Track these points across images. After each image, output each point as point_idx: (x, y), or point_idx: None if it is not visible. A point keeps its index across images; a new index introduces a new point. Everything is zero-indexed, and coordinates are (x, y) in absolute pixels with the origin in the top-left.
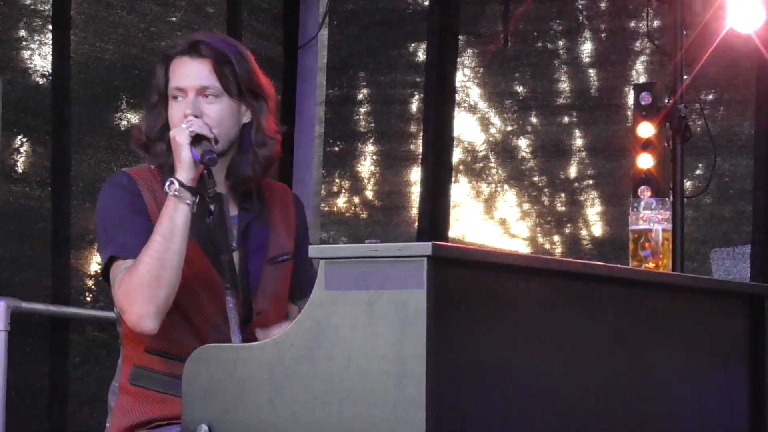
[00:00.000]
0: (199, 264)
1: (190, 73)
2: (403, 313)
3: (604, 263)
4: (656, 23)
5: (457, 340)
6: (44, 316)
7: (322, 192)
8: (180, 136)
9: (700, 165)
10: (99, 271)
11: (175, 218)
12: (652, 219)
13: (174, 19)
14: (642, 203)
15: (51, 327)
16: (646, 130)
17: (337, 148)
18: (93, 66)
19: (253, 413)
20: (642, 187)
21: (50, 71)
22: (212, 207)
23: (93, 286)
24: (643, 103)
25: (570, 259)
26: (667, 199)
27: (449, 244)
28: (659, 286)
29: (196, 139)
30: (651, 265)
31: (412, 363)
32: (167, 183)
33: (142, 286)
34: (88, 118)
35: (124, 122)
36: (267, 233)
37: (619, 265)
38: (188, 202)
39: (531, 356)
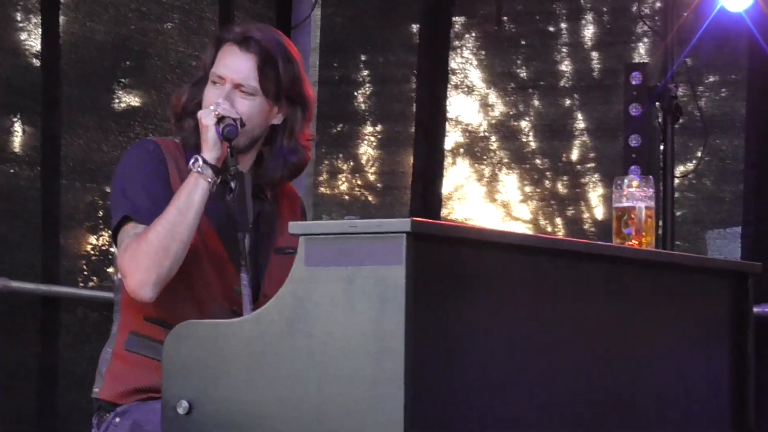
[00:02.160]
0: (211, 242)
1: (234, 65)
2: (382, 289)
3: (586, 240)
4: (658, 5)
5: (436, 316)
6: (34, 296)
7: (324, 174)
8: (207, 117)
9: (691, 145)
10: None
11: (193, 193)
12: (635, 197)
13: None
14: (625, 181)
15: (41, 307)
16: (636, 109)
17: (333, 130)
18: (83, 46)
19: (233, 390)
20: (632, 167)
21: (40, 51)
22: (233, 184)
23: (84, 266)
24: (633, 83)
25: (551, 236)
26: (650, 177)
27: (428, 220)
28: (642, 264)
29: (221, 120)
30: (634, 242)
31: (391, 340)
32: (192, 160)
33: (149, 254)
34: (78, 99)
35: (115, 102)
36: (276, 225)
37: (601, 243)
38: (209, 180)
39: (512, 333)
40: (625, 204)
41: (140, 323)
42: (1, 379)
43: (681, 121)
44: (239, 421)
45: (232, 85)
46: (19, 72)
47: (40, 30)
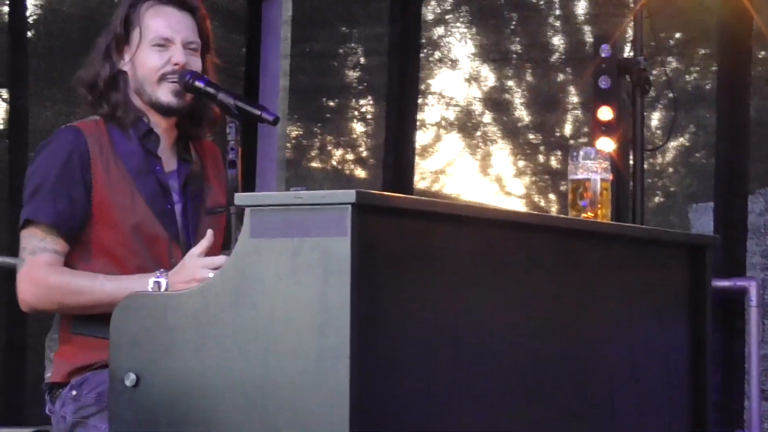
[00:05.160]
0: (143, 217)
1: (178, 25)
2: (326, 261)
3: (537, 213)
4: None
5: (382, 289)
6: (1, 269)
7: (312, 150)
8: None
9: (660, 117)
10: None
11: (131, 290)
12: (590, 169)
13: None
14: (581, 153)
15: (8, 279)
16: (605, 82)
17: (311, 103)
18: (51, 19)
19: (180, 362)
20: (601, 140)
21: (7, 24)
22: (233, 155)
23: None
24: (602, 55)
25: (503, 208)
26: (604, 150)
27: (373, 192)
28: (596, 236)
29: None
30: (589, 214)
31: (336, 312)
32: (154, 280)
33: (54, 297)
34: (45, 72)
35: None
36: (204, 185)
37: (554, 215)
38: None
39: (460, 307)
40: (580, 176)
41: None
42: None
43: (652, 94)
44: (186, 394)
45: (182, 45)
46: None
47: (6, 1)
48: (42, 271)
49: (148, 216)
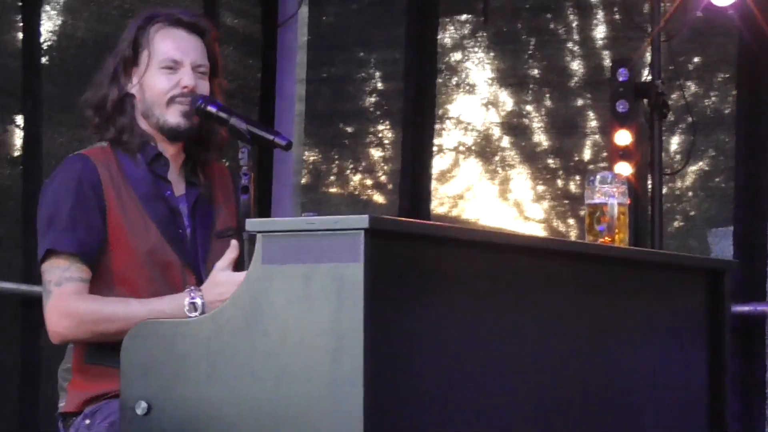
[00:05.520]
0: (156, 243)
1: (187, 48)
2: (339, 287)
3: (554, 237)
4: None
5: (396, 314)
6: (15, 296)
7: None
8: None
9: (680, 141)
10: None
11: (170, 311)
12: (607, 193)
13: None
14: (598, 177)
15: (22, 306)
16: (623, 106)
17: (321, 128)
18: (65, 43)
19: (191, 389)
20: (619, 164)
21: (21, 49)
22: (245, 180)
23: None
24: (620, 79)
25: (517, 233)
26: (621, 174)
27: (387, 217)
28: (613, 261)
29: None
30: (607, 239)
31: (349, 338)
32: (189, 301)
33: (86, 326)
34: (60, 96)
35: None
36: (213, 208)
37: (571, 240)
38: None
39: (475, 333)
40: (597, 201)
41: None
42: None
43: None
44: (198, 422)
45: (191, 68)
46: None
47: (20, 27)
48: (71, 301)
49: (160, 241)
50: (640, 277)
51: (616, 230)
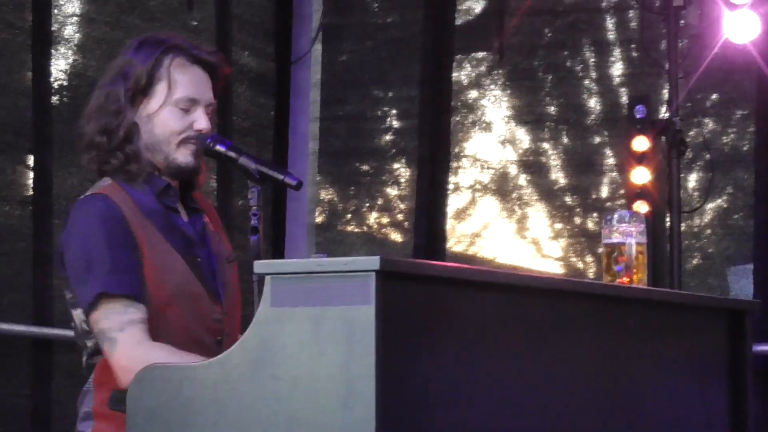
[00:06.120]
0: (183, 274)
1: (203, 87)
2: (350, 330)
3: (571, 278)
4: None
5: (408, 359)
6: (26, 338)
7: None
8: None
9: (697, 179)
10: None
11: None
12: (625, 232)
13: None
14: (615, 216)
15: (34, 348)
16: (640, 143)
17: (336, 167)
18: (75, 84)
19: None
20: (637, 202)
21: (31, 88)
22: (255, 221)
23: None
24: (637, 116)
25: (533, 274)
26: (640, 212)
27: (397, 258)
28: (631, 302)
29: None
30: (625, 279)
31: (360, 384)
32: None
33: None
34: (70, 136)
35: None
36: (215, 234)
37: (589, 281)
38: None
39: (491, 377)
40: (615, 240)
41: None
42: None
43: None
44: None
45: (204, 108)
46: (9, 110)
47: (30, 66)
48: (143, 351)
49: (187, 273)
50: (659, 317)
51: (634, 270)
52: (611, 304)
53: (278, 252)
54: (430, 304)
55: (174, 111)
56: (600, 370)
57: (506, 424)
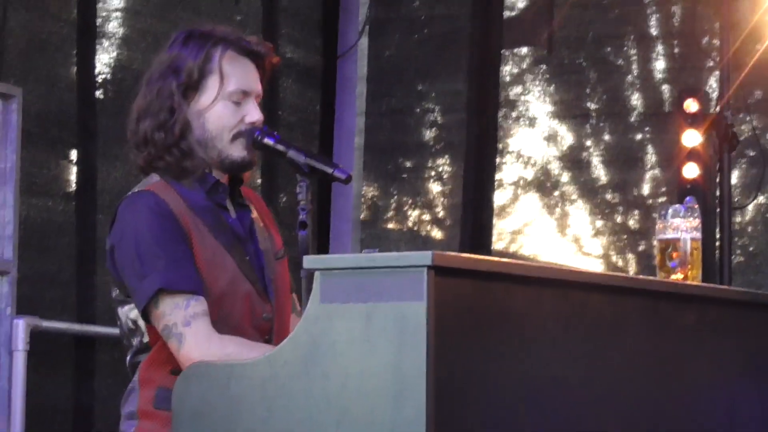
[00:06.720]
0: (232, 272)
1: (254, 79)
2: (401, 327)
3: (622, 275)
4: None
5: (460, 355)
6: (68, 335)
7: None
8: None
9: (740, 175)
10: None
11: None
12: (680, 228)
13: None
14: (670, 211)
15: (75, 346)
16: (691, 138)
17: (380, 162)
18: (120, 77)
19: None
20: (688, 198)
21: (75, 82)
22: (303, 216)
23: None
24: (688, 110)
25: (585, 270)
26: (696, 206)
27: (451, 253)
28: (686, 298)
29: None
30: (679, 276)
31: (412, 381)
32: None
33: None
34: (114, 130)
35: None
36: (264, 229)
37: (642, 276)
38: None
39: (544, 373)
40: (669, 236)
41: (167, 377)
42: (36, 421)
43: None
44: None
45: (254, 99)
46: (54, 103)
47: (75, 60)
48: (213, 345)
49: (235, 271)
50: (715, 314)
51: (689, 266)
52: (667, 301)
53: (323, 248)
54: (483, 300)
55: (227, 105)
56: (654, 368)
57: (561, 422)
